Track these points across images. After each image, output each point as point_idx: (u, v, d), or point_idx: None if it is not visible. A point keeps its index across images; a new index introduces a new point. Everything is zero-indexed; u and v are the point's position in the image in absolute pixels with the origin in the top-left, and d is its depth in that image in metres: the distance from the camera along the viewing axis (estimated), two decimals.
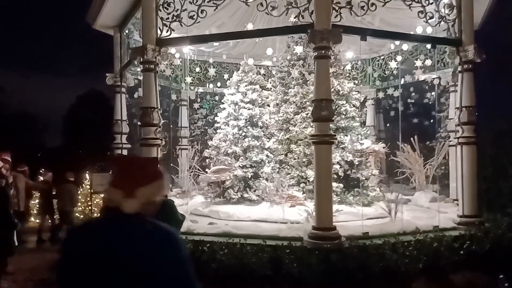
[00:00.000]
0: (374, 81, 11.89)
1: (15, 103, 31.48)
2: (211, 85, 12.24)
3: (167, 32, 7.28)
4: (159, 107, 7.33)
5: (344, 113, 9.04)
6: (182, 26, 7.30)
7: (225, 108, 9.09)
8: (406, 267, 5.71)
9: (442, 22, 7.31)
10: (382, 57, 11.84)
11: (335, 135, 6.36)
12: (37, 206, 12.79)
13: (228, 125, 8.77)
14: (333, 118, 8.88)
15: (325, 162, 6.25)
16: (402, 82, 11.31)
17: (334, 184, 8.45)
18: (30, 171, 11.29)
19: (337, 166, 8.43)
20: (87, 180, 15.78)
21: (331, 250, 5.85)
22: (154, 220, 2.08)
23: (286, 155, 9.02)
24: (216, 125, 9.32)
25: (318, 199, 6.26)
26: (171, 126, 12.61)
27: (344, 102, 9.12)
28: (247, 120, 8.63)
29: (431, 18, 7.16)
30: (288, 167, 8.87)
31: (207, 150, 9.42)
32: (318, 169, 6.26)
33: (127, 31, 9.52)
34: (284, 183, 8.08)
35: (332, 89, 8.73)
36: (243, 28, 8.74)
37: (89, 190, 15.11)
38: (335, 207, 7.59)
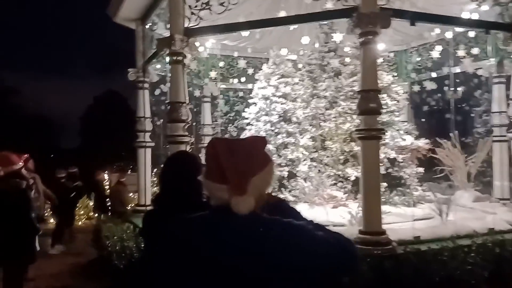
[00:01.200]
0: (408, 74, 11.22)
1: (30, 105, 31.47)
2: (235, 80, 11.70)
3: (195, 21, 6.78)
4: (187, 102, 6.84)
5: (385, 107, 8.41)
6: (211, 14, 6.80)
7: (254, 103, 8.55)
8: (469, 275, 5.10)
9: (496, 6, 6.69)
10: (415, 49, 11.18)
11: (384, 129, 5.76)
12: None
13: (259, 121, 8.22)
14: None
15: (373, 159, 5.65)
16: (437, 74, 10.67)
17: None
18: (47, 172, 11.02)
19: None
20: (105, 181, 15.50)
21: (383, 256, 5.26)
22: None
23: (318, 152, 8.45)
24: (244, 121, 8.79)
25: (365, 200, 5.67)
26: (194, 124, 12.15)
27: (384, 95, 8.51)
28: (280, 115, 8.08)
29: (484, 0, 6.54)
30: (322, 165, 8.29)
31: None
32: (365, 167, 5.67)
33: (150, 24, 9.04)
34: (325, 182, 7.51)
35: (357, 86, 8.14)
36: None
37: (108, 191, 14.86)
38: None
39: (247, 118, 8.64)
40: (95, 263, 8.59)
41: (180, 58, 6.72)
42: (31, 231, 5.61)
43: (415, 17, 6.00)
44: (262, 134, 8.05)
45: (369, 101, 5.60)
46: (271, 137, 8.02)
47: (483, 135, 9.95)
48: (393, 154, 8.10)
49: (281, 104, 8.14)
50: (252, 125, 8.45)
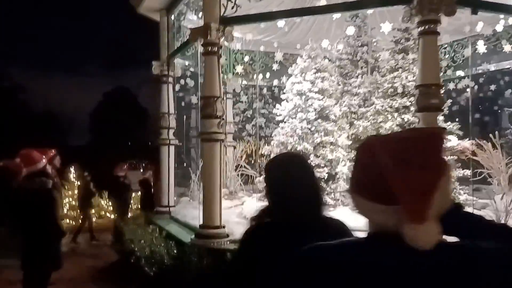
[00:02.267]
0: (443, 71, 10.64)
1: (38, 102, 31.09)
2: (260, 76, 11.20)
3: (232, 8, 6.27)
4: (222, 97, 6.34)
5: None
6: (250, 1, 6.31)
7: (287, 100, 8.03)
8: None
9: None
10: (448, 44, 10.60)
11: (446, 129, 5.24)
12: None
13: (294, 118, 7.70)
14: (408, 112, 7.98)
15: None
16: (475, 71, 10.11)
17: None
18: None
19: None
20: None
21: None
22: None
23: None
24: (277, 118, 8.29)
25: None
26: None
27: None
28: (317, 112, 7.56)
29: None
30: None
31: (266, 147, 8.37)
32: None
33: (176, 14, 8.55)
34: None
35: (414, 78, 7.61)
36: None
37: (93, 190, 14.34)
38: None
39: (279, 115, 8.13)
40: (116, 266, 8.11)
41: (215, 49, 6.23)
42: (57, 234, 5.14)
43: (480, 5, 5.47)
44: (298, 132, 7.54)
45: (429, 96, 5.07)
46: (307, 135, 7.51)
47: None
48: None
49: (318, 100, 7.61)
50: (285, 122, 7.93)
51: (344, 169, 7.30)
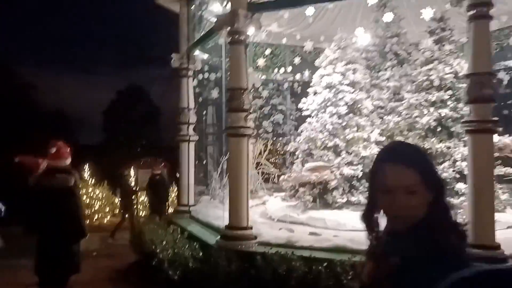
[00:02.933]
0: None
1: (49, 101, 30.91)
2: (281, 70, 10.78)
3: None
4: (249, 89, 5.95)
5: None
6: None
7: (315, 93, 7.61)
8: None
9: None
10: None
11: (498, 121, 4.78)
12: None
13: (324, 113, 7.27)
14: (454, 105, 7.40)
15: (486, 156, 4.69)
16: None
17: (463, 186, 6.90)
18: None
19: (464, 164, 6.84)
20: (131, 177, 14.70)
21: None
22: None
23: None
24: (304, 112, 7.86)
25: (475, 206, 4.70)
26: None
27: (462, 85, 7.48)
28: (349, 106, 7.12)
29: None
30: None
31: (292, 144, 7.95)
32: (475, 166, 4.71)
33: (197, 3, 8.17)
34: None
35: (451, 70, 7.14)
36: None
37: (133, 188, 14.09)
38: None
39: (306, 110, 7.71)
40: (136, 268, 7.74)
41: (242, 37, 5.82)
42: (79, 234, 4.75)
43: None
44: (328, 127, 7.12)
45: (482, 86, 4.62)
46: (338, 130, 7.08)
47: None
48: None
49: (349, 93, 7.17)
50: (313, 117, 7.51)
51: None
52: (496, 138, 7.69)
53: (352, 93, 7.25)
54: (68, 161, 4.61)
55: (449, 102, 7.34)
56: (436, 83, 7.39)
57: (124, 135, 26.38)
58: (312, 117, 7.55)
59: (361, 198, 6.79)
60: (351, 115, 7.17)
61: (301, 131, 7.74)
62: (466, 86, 4.86)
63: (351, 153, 6.98)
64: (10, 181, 5.50)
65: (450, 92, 7.39)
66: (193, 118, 8.47)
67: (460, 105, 7.37)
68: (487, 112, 4.67)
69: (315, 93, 7.66)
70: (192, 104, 8.49)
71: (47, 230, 4.54)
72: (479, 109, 4.69)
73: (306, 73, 10.67)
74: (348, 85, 7.28)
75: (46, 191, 4.38)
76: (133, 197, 11.77)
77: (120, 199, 12.22)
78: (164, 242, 6.29)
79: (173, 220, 7.96)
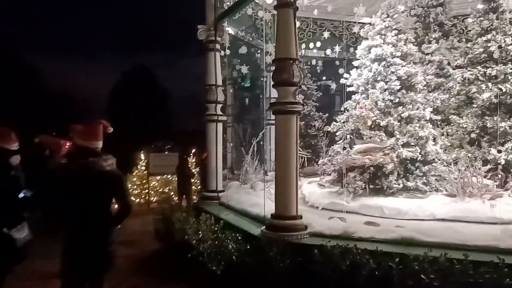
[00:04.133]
0: None
1: (54, 85, 30.17)
2: (311, 45, 10.03)
3: None
4: (299, 59, 5.21)
5: None
6: None
7: (360, 67, 6.85)
8: None
9: None
10: None
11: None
12: None
13: (374, 89, 6.53)
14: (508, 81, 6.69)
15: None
16: None
17: None
18: None
19: None
20: (142, 161, 14.09)
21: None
22: None
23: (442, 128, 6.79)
24: (349, 89, 7.14)
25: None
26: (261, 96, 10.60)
27: None
28: (402, 81, 6.38)
29: None
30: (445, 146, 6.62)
31: (335, 123, 7.22)
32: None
33: None
34: (479, 168, 5.86)
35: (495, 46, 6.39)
36: None
37: (145, 172, 13.48)
38: None
39: (351, 86, 6.97)
40: (163, 258, 7.11)
41: None
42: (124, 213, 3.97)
43: None
44: (380, 105, 6.39)
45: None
46: (390, 108, 6.36)
47: None
48: None
49: (402, 66, 6.43)
50: (360, 93, 6.77)
51: (437, 148, 6.16)
52: None
53: (404, 66, 6.51)
54: (100, 143, 3.86)
55: (510, 77, 6.61)
56: (496, 55, 6.64)
57: (132, 118, 25.70)
58: (360, 93, 6.83)
59: (419, 183, 6.12)
60: (403, 91, 6.45)
61: (346, 109, 7.03)
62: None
63: (405, 134, 6.29)
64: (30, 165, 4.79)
65: (510, 64, 6.64)
66: (221, 97, 7.76)
67: None
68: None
69: (357, 68, 6.92)
70: (220, 81, 7.76)
71: (77, 223, 3.81)
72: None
73: (337, 48, 9.93)
74: (399, 57, 6.55)
75: (83, 175, 3.64)
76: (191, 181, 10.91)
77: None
78: (200, 232, 5.64)
79: (201, 207, 7.31)
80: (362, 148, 6.33)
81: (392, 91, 6.45)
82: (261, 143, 9.46)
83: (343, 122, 6.91)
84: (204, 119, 7.79)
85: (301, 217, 5.15)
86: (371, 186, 6.34)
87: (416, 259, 4.13)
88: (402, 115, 6.32)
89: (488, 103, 6.55)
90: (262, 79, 10.46)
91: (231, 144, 9.11)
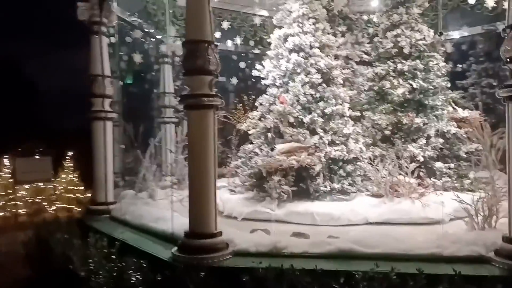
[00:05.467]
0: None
1: None
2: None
3: None
4: (214, 43, 4.29)
5: (435, 69, 6.63)
6: None
7: (273, 57, 6.15)
8: None
9: None
10: None
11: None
12: None
13: (294, 81, 5.88)
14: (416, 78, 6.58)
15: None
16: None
17: (442, 165, 6.13)
18: None
19: (440, 140, 6.07)
20: (7, 168, 11.92)
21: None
22: None
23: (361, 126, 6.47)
24: (264, 82, 6.39)
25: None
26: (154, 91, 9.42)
27: (435, 54, 6.72)
28: (323, 74, 5.84)
29: None
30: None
31: (250, 121, 6.42)
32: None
33: None
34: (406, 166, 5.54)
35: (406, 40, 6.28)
36: None
37: (10, 180, 11.45)
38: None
39: (263, 78, 6.24)
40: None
41: None
42: None
43: None
44: (302, 100, 5.77)
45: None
46: (312, 103, 5.79)
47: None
48: (452, 129, 6.40)
49: (322, 58, 5.90)
50: (276, 86, 6.06)
51: (360, 146, 5.76)
52: (461, 111, 7.17)
53: (323, 58, 5.99)
54: None
55: (420, 74, 6.53)
56: (407, 50, 6.49)
57: None
58: (278, 87, 6.14)
59: (346, 185, 5.66)
60: (324, 84, 5.94)
61: (260, 104, 6.29)
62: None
63: (328, 131, 5.78)
64: None
65: (418, 61, 6.57)
66: (109, 90, 6.49)
67: (432, 75, 6.60)
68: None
69: (272, 58, 6.25)
70: (107, 71, 6.49)
71: None
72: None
73: (238, 40, 9.22)
74: (318, 48, 6.02)
75: None
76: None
77: None
78: (90, 261, 4.41)
79: (88, 223, 5.98)
80: (286, 148, 5.66)
81: (313, 84, 5.91)
82: (155, 143, 8.32)
83: (259, 119, 6.18)
84: (88, 116, 6.44)
85: (221, 233, 4.27)
86: (293, 190, 5.69)
87: (364, 278, 3.53)
88: (325, 110, 5.82)
89: (401, 99, 6.40)
90: (155, 71, 9.33)
91: (122, 146, 7.83)
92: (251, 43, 9.93)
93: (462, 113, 6.80)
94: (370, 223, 5.44)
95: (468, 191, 5.88)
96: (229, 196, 6.36)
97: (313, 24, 6.20)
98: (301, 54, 6.02)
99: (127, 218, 5.79)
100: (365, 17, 8.72)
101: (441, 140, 6.39)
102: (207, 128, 4.17)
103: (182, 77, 10.14)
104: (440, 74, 6.73)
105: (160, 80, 9.25)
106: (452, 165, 6.26)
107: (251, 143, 6.56)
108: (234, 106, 9.63)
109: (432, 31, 7.03)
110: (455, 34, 9.14)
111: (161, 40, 9.02)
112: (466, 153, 6.55)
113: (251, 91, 11.56)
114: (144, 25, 8.38)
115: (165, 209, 5.76)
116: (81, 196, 11.39)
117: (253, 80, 11.76)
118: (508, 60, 3.75)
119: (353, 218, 5.39)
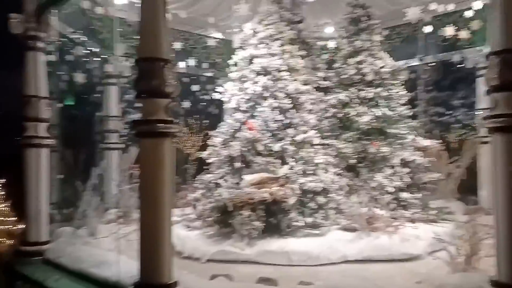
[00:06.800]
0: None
1: None
2: None
3: None
4: (171, 61, 3.76)
5: (397, 98, 6.48)
6: None
7: (237, 80, 5.68)
8: None
9: None
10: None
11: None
12: None
13: (262, 106, 5.44)
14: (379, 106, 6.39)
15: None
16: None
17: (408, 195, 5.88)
18: None
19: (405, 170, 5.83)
20: None
21: None
22: None
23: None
24: (227, 105, 5.88)
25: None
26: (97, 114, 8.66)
27: (394, 81, 6.58)
28: (293, 99, 5.46)
29: None
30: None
31: (214, 148, 5.84)
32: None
33: None
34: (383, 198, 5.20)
35: (369, 67, 6.12)
36: None
37: None
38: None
39: (228, 102, 5.74)
40: None
41: None
42: None
43: None
44: (272, 126, 5.33)
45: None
46: (281, 130, 5.36)
47: (473, 134, 8.70)
48: (415, 157, 6.21)
49: (291, 82, 5.52)
50: (241, 111, 5.58)
51: (332, 176, 5.38)
52: (422, 140, 7.06)
53: (293, 82, 5.62)
54: None
55: (381, 101, 6.34)
56: (370, 77, 6.29)
57: None
58: (244, 111, 5.65)
59: (319, 219, 5.22)
60: (293, 110, 5.55)
61: (223, 129, 5.76)
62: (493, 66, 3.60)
63: (298, 160, 5.36)
64: None
65: (381, 88, 6.40)
66: (46, 113, 5.72)
67: (393, 103, 6.43)
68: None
69: (235, 80, 5.78)
70: (44, 91, 5.73)
71: None
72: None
73: (191, 62, 8.74)
74: (287, 71, 5.64)
75: None
76: None
77: None
78: None
79: (17, 268, 5.10)
80: (256, 179, 5.14)
81: (282, 110, 5.51)
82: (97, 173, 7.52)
83: (222, 146, 5.64)
84: (19, 143, 5.61)
85: (176, 284, 3.65)
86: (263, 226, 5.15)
87: None
88: (296, 138, 5.41)
89: (366, 128, 6.16)
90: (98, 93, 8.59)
91: (60, 175, 6.97)
92: (204, 65, 9.52)
93: (424, 142, 6.68)
94: (349, 261, 5.05)
95: (433, 222, 5.68)
96: (187, 233, 5.70)
97: (281, 46, 5.85)
98: (268, 77, 5.63)
99: (63, 262, 4.96)
100: (320, 43, 8.61)
101: (406, 170, 6.19)
102: (163, 159, 3.59)
103: (129, 99, 9.59)
104: (401, 103, 6.61)
105: (104, 102, 8.51)
106: (419, 196, 6.05)
107: (208, 172, 6.01)
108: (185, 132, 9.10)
109: (391, 59, 6.93)
110: (410, 63, 9.21)
111: (106, 59, 8.32)
112: (426, 182, 6.40)
113: (203, 115, 11.06)
114: (88, 42, 7.68)
115: (108, 250, 5.05)
116: (13, 227, 10.26)
117: (203, 104, 11.30)
118: (494, 88, 3.48)
119: (332, 256, 4.97)
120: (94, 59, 8.41)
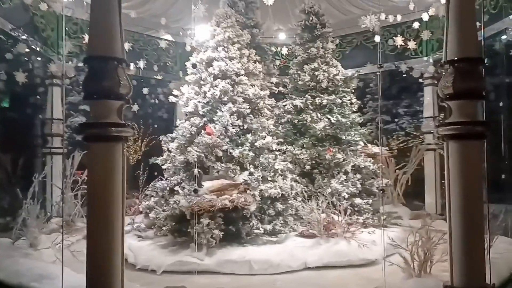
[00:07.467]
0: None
1: None
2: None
3: None
4: (126, 61, 3.55)
5: (349, 105, 6.56)
6: None
7: (193, 83, 5.48)
8: None
9: None
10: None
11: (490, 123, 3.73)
12: None
13: (220, 111, 5.27)
14: (333, 112, 6.40)
15: (474, 168, 3.47)
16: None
17: (361, 201, 5.94)
18: None
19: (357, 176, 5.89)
20: None
21: None
22: None
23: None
24: (184, 109, 5.64)
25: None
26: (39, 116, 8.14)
27: (347, 89, 6.66)
28: (251, 103, 5.33)
29: None
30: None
31: (168, 154, 5.59)
32: (463, 179, 3.48)
33: None
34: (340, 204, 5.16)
35: (324, 74, 6.19)
36: None
37: None
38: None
39: (185, 106, 5.52)
40: None
41: None
42: None
43: None
44: (231, 132, 5.19)
45: (471, 77, 3.51)
46: (240, 135, 5.22)
47: (418, 141, 8.97)
48: (367, 164, 6.30)
49: (250, 87, 5.41)
50: (199, 115, 5.39)
51: (291, 183, 5.33)
52: (370, 146, 7.22)
53: (252, 86, 5.51)
54: None
55: (335, 109, 6.41)
56: (324, 84, 6.34)
57: None
58: (203, 116, 5.45)
59: (278, 226, 5.13)
60: (251, 115, 5.44)
61: (180, 133, 5.52)
62: (448, 75, 3.67)
63: (258, 166, 5.24)
64: None
65: (335, 95, 6.46)
66: None
67: (346, 110, 6.51)
68: (475, 111, 3.50)
69: (191, 84, 5.59)
70: None
71: None
72: (466, 108, 3.48)
73: (141, 63, 8.43)
74: (245, 75, 5.52)
75: None
76: None
77: None
78: None
79: None
80: (216, 185, 4.95)
81: (241, 115, 5.38)
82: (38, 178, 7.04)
83: (176, 151, 5.41)
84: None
85: None
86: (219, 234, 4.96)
87: None
88: (256, 144, 5.30)
89: (321, 134, 6.18)
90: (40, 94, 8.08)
91: None
92: (155, 68, 9.23)
93: (373, 148, 6.82)
94: (310, 268, 5.00)
95: (384, 227, 5.78)
96: (139, 244, 5.41)
97: (239, 49, 5.75)
98: (227, 81, 5.49)
99: (0, 277, 4.56)
100: (273, 49, 8.65)
101: (358, 176, 6.27)
102: (114, 165, 3.36)
103: (72, 101, 9.08)
104: (353, 110, 6.72)
105: (46, 104, 8.01)
106: (370, 201, 6.15)
107: (161, 179, 5.77)
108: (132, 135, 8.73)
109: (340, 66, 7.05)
110: (361, 71, 9.43)
111: (50, 58, 7.83)
112: (377, 188, 6.53)
113: (150, 119, 10.72)
114: (30, 40, 7.19)
115: (50, 262, 4.71)
116: None
117: (152, 107, 10.98)
118: (448, 96, 3.56)
119: (292, 263, 4.90)
120: (38, 58, 7.90)
